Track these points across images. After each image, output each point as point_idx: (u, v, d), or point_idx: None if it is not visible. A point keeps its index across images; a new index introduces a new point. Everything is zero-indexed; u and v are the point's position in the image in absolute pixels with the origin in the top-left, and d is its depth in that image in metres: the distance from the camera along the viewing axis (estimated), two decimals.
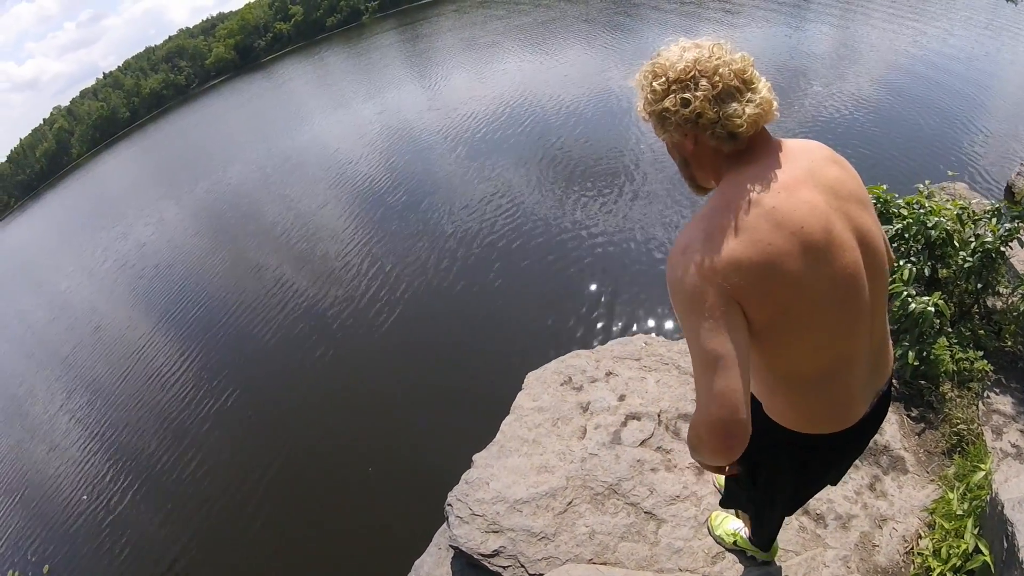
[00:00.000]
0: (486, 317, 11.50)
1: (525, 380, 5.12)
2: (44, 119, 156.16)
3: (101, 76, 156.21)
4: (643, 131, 16.32)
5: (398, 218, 17.82)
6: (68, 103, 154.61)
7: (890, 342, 1.94)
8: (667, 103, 1.56)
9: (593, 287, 11.17)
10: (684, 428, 4.37)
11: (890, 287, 4.56)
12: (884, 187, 5.01)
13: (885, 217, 4.88)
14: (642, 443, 4.23)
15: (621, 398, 4.59)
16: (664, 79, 1.55)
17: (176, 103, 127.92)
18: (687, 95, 1.52)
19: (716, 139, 1.56)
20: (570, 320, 10.40)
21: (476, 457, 4.61)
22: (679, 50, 1.57)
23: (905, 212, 4.81)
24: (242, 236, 24.69)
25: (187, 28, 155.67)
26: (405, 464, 9.13)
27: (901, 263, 4.58)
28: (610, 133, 18.05)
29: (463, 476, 4.51)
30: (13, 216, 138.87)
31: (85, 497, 15.10)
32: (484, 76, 32.18)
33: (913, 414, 4.35)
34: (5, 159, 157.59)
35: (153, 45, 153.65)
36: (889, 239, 4.76)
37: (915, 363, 4.32)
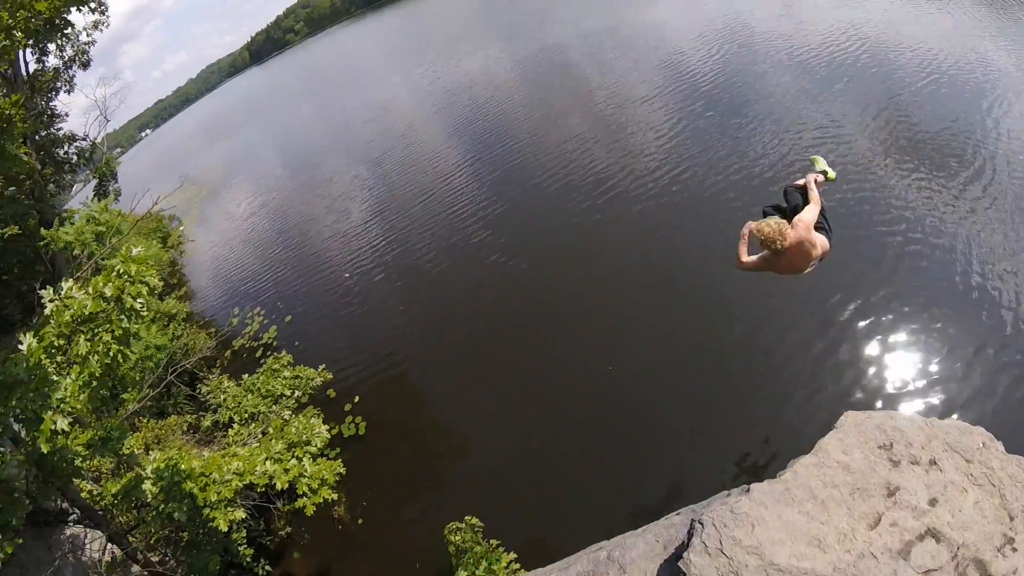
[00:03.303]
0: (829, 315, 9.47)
1: (842, 419, 4.54)
2: None
3: None
4: None
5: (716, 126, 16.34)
6: None
7: None
8: None
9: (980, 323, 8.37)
10: None
11: None
12: None
13: None
14: (926, 572, 3.61)
15: (932, 503, 3.92)
16: None
17: None
18: None
19: None
20: (923, 364, 8.11)
21: (755, 488, 4.24)
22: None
23: None
24: (555, 93, 25.29)
25: None
26: (677, 421, 8.87)
27: None
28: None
29: (731, 503, 4.15)
30: (352, 23, 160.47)
31: (347, 275, 18.00)
32: None
33: None
34: None
35: None
36: None
37: None
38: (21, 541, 6.21)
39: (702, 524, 4.13)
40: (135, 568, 8.20)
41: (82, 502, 7.64)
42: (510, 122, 24.17)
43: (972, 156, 11.36)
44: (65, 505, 8.28)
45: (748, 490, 4.27)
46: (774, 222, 5.83)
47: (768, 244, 5.77)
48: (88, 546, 8.69)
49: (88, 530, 8.67)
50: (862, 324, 8.88)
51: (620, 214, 14.04)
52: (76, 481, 8.38)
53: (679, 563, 4.03)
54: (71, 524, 8.62)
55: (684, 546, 4.25)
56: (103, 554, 8.60)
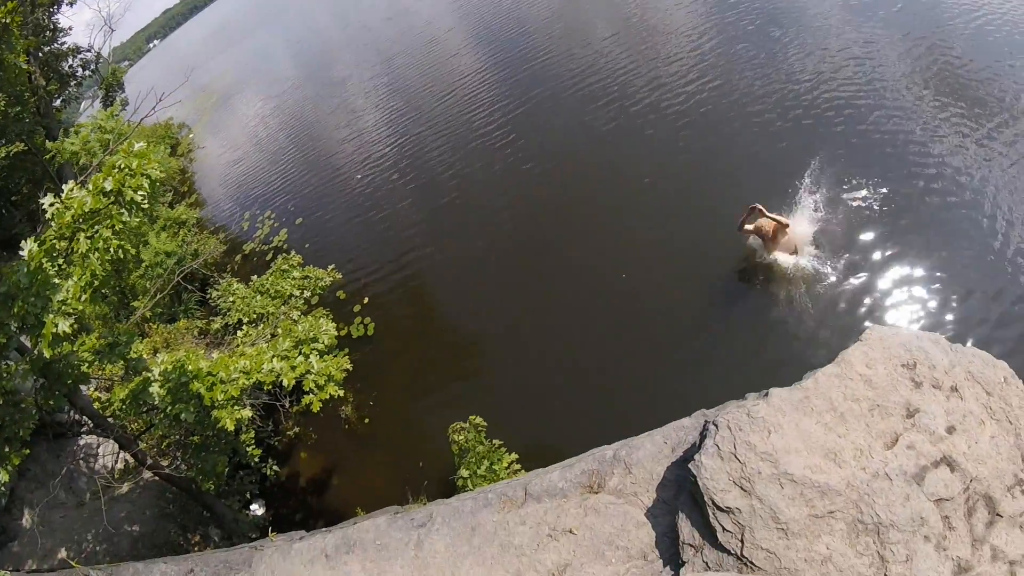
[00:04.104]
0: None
1: (868, 332, 4.31)
2: None
3: None
4: None
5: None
6: None
7: None
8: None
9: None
10: (983, 514, 3.54)
11: None
12: None
13: None
14: (938, 501, 3.49)
15: (950, 430, 3.74)
16: None
17: None
18: None
19: None
20: (940, 299, 7.89)
21: (774, 392, 4.02)
22: None
23: None
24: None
25: None
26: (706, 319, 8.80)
27: None
28: None
29: (748, 407, 3.95)
30: None
31: (359, 177, 17.85)
32: None
33: None
34: None
35: None
36: None
37: None
38: (28, 452, 6.25)
39: (716, 426, 3.93)
40: (146, 473, 8.33)
41: (92, 410, 7.67)
42: (536, 21, 23.00)
43: (1013, 100, 10.55)
44: (78, 416, 8.38)
45: (767, 394, 4.06)
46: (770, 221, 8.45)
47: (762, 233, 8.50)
48: (100, 453, 8.83)
49: (100, 439, 8.80)
50: (884, 252, 8.61)
51: (646, 123, 13.50)
52: (87, 390, 8.41)
53: (689, 465, 3.87)
54: (83, 435, 8.75)
55: (695, 448, 4.09)
56: (115, 461, 8.75)
